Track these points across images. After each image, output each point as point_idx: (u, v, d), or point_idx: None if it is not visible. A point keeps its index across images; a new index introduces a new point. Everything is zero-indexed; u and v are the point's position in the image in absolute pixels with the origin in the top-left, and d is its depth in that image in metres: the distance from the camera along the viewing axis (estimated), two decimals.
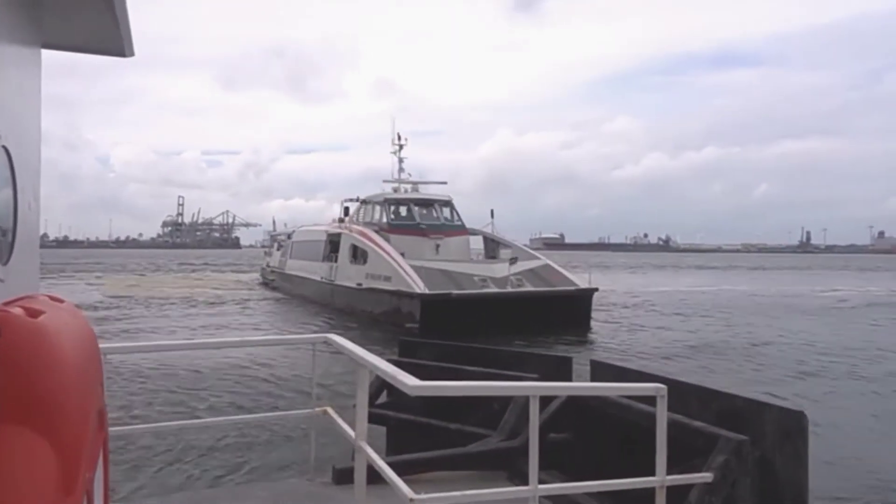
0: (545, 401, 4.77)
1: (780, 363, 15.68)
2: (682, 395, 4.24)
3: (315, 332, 17.67)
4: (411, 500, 2.83)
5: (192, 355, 13.13)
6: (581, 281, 22.35)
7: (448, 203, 27.93)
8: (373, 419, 5.25)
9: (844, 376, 14.34)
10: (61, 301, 1.78)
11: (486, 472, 4.60)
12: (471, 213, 28.55)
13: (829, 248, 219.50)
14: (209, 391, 11.33)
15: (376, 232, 24.61)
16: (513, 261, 22.01)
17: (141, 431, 6.13)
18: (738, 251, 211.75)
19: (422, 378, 3.27)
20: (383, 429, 5.89)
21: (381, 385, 5.56)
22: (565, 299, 20.92)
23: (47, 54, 2.43)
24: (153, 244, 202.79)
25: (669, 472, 3.39)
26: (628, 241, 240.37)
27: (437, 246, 25.17)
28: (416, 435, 5.36)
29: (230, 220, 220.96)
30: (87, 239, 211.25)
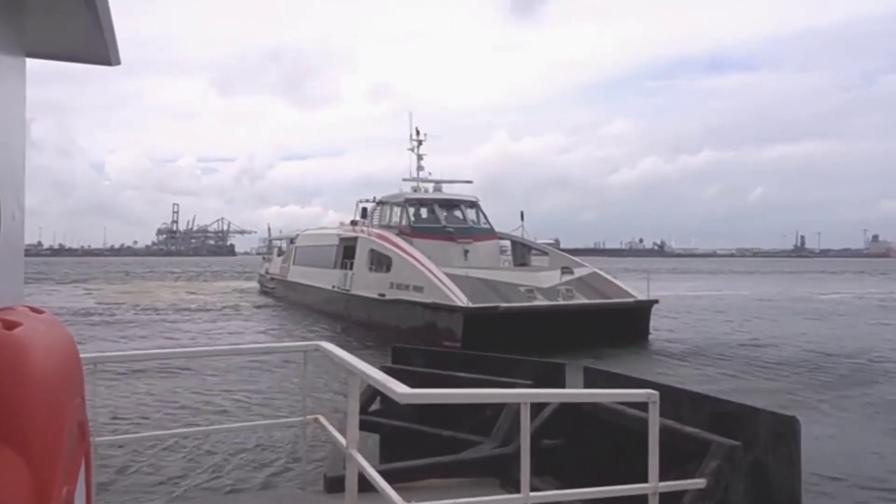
0: (538, 407, 4.77)
1: None
2: (675, 400, 4.24)
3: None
4: None
5: (182, 364, 13.07)
6: (636, 291, 19.88)
7: (474, 204, 25.25)
8: (366, 427, 5.25)
9: None
10: (41, 312, 1.77)
11: (478, 479, 4.58)
12: None
13: (824, 252, 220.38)
14: (200, 399, 11.26)
15: (396, 236, 22.26)
16: (566, 270, 19.65)
17: (130, 441, 6.10)
18: (732, 255, 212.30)
19: (414, 385, 3.26)
20: (377, 436, 5.88)
21: (373, 392, 5.54)
22: (623, 313, 18.62)
23: (36, 61, 2.43)
24: (148, 252, 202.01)
25: (663, 478, 3.38)
26: (623, 246, 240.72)
27: (466, 251, 22.46)
28: (409, 442, 5.34)
29: (225, 227, 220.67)
30: (82, 247, 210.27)
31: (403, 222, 23.99)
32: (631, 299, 19.18)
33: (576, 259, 22.97)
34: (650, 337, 19.31)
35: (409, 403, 4.35)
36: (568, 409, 4.77)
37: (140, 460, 7.49)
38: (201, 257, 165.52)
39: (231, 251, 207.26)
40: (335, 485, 4.16)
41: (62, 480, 1.43)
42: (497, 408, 4.99)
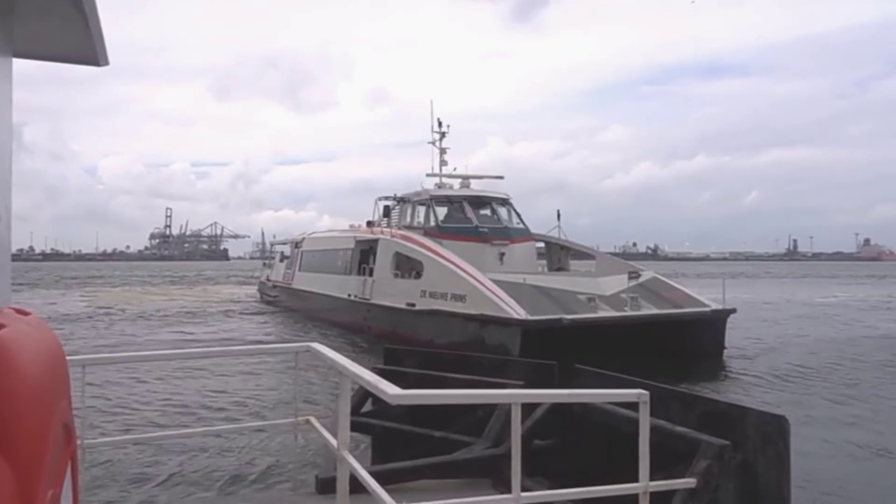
0: (530, 408, 4.78)
1: None
2: (665, 400, 4.26)
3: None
4: None
5: (173, 366, 13.02)
6: (706, 299, 17.10)
7: (506, 202, 22.33)
8: (357, 428, 5.24)
9: None
10: (27, 314, 1.76)
11: (470, 479, 4.58)
12: None
13: (816, 256, 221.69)
14: (190, 401, 11.22)
15: (422, 237, 19.74)
16: (633, 274, 17.18)
17: (119, 443, 6.06)
18: (725, 259, 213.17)
19: (406, 386, 3.27)
20: (369, 438, 5.88)
21: (365, 394, 5.54)
22: (698, 324, 15.89)
23: (29, 65, 2.43)
24: (140, 256, 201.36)
25: (653, 478, 3.39)
26: (617, 251, 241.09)
27: (502, 254, 19.82)
28: (401, 443, 5.34)
29: (218, 232, 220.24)
30: (74, 251, 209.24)
31: (430, 222, 21.12)
32: (706, 309, 16.34)
33: (628, 262, 21.12)
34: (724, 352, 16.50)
35: (401, 404, 4.35)
36: (559, 410, 4.79)
37: (129, 463, 7.44)
38: (194, 262, 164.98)
39: (224, 256, 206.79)
40: (326, 486, 4.16)
41: (47, 483, 1.42)
42: (489, 408, 5.00)
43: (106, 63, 2.47)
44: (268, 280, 34.95)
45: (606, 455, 4.27)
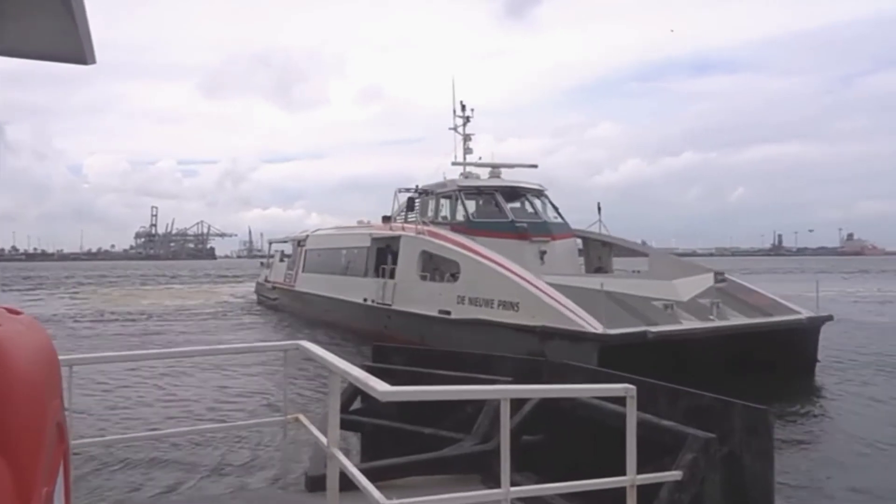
0: (519, 403, 4.82)
1: None
2: (652, 394, 4.32)
3: None
4: None
5: (161, 365, 12.96)
6: (794, 304, 14.68)
7: (541, 193, 19.69)
8: (347, 425, 5.26)
9: None
10: (18, 313, 1.77)
11: (460, 475, 4.61)
12: None
13: (801, 251, 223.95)
14: (179, 400, 11.19)
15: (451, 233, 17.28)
16: (719, 277, 14.56)
17: (109, 443, 6.04)
18: (711, 255, 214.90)
19: (395, 383, 3.28)
20: (359, 435, 5.90)
21: (355, 391, 5.55)
22: (791, 334, 13.41)
23: (11, 62, 2.40)
24: (126, 256, 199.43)
25: (640, 471, 3.44)
26: None
27: (542, 253, 17.24)
28: (391, 440, 5.36)
29: (205, 231, 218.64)
30: (59, 251, 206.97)
31: (457, 217, 18.57)
32: (800, 316, 13.92)
33: (694, 261, 18.50)
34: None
35: (391, 401, 4.37)
36: (548, 405, 4.83)
37: (119, 462, 7.42)
38: (180, 261, 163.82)
39: (211, 255, 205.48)
40: (317, 484, 4.17)
41: (42, 481, 1.44)
42: (478, 405, 5.03)
43: (93, 61, 2.45)
44: (266, 281, 31.83)
45: (594, 449, 4.32)
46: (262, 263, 36.88)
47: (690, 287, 14.42)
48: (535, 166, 22.31)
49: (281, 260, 31.15)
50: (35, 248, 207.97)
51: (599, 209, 19.19)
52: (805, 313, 14.11)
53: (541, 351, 11.87)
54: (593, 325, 11.72)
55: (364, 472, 3.26)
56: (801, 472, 7.71)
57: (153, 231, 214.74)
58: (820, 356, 14.03)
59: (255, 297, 34.68)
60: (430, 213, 19.57)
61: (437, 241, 16.77)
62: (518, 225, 17.79)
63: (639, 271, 17.73)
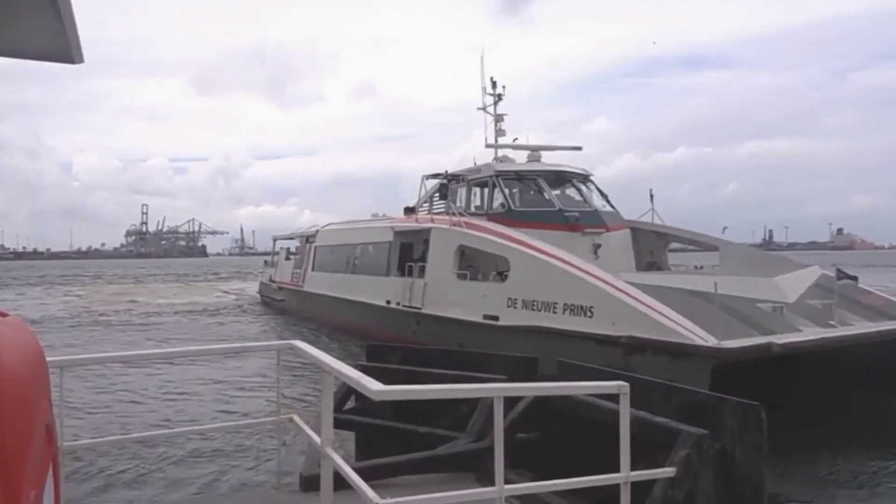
0: (513, 401, 4.82)
1: None
2: (645, 391, 4.33)
3: None
4: None
5: (154, 365, 12.89)
6: None
7: (587, 178, 17.12)
8: (341, 425, 5.26)
9: None
10: (5, 315, 1.75)
11: (454, 473, 4.62)
12: None
13: (791, 246, 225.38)
14: (172, 401, 11.13)
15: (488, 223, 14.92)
16: (841, 274, 11.49)
17: (102, 444, 6.01)
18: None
19: (389, 382, 3.28)
20: (353, 434, 5.89)
21: (349, 391, 5.55)
22: None
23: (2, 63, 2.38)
24: (116, 254, 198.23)
25: (634, 468, 3.45)
26: None
27: (597, 246, 14.80)
28: (386, 439, 5.36)
29: (196, 228, 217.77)
30: (48, 249, 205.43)
31: (494, 205, 16.15)
32: None
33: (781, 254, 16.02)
34: None
35: (385, 400, 4.36)
36: (542, 403, 4.84)
37: (111, 463, 7.38)
38: (172, 259, 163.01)
39: (203, 252, 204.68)
40: (311, 483, 4.16)
41: (30, 484, 1.43)
42: (473, 403, 5.04)
43: (81, 61, 2.43)
44: (271, 281, 29.43)
45: (589, 446, 4.33)
46: (265, 262, 34.31)
47: (795, 285, 11.67)
48: (579, 148, 19.59)
49: (287, 258, 28.63)
50: (24, 247, 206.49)
51: (652, 197, 16.19)
52: None
53: (625, 366, 9.08)
54: (702, 337, 9.10)
55: (358, 471, 3.25)
56: None
57: (144, 229, 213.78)
58: None
59: (258, 297, 32.57)
60: (460, 202, 16.70)
61: (478, 233, 14.38)
62: (568, 214, 15.20)
63: (702, 267, 15.22)
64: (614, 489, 3.41)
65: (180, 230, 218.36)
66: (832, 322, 10.63)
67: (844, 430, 7.80)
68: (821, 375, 8.95)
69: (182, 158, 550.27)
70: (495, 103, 18.61)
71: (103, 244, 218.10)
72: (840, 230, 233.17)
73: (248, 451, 7.96)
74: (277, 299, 28.18)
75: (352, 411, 5.72)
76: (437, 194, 17.85)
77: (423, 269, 15.75)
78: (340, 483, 3.32)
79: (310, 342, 4.33)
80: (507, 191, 16.09)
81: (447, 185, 16.77)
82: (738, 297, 10.51)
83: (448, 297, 14.50)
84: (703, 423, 4.00)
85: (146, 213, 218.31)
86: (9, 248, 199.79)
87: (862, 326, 10.72)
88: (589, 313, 10.91)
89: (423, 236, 16.42)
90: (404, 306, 15.88)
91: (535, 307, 11.97)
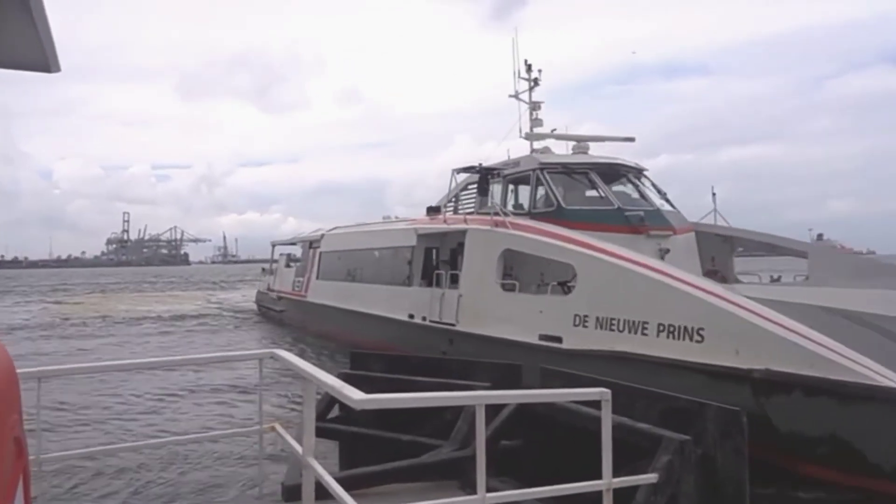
0: (496, 409, 4.82)
1: None
2: (628, 397, 4.35)
3: None
4: None
5: (133, 377, 12.71)
6: None
7: (641, 173, 14.47)
8: (324, 434, 5.21)
9: None
10: None
11: (438, 482, 4.60)
12: None
13: None
14: (152, 411, 11.00)
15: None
16: None
17: (77, 456, 5.90)
18: None
19: (373, 390, 3.27)
20: (336, 443, 5.85)
21: (332, 400, 5.51)
22: None
23: None
24: (97, 262, 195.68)
25: (617, 474, 3.47)
26: None
27: (664, 251, 12.26)
28: (369, 448, 5.33)
29: (178, 236, 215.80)
30: (26, 258, 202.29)
31: (538, 204, 13.57)
32: None
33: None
34: None
35: (368, 409, 4.34)
36: (526, 411, 4.84)
37: (90, 476, 7.26)
38: (153, 267, 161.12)
39: (185, 260, 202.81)
40: (292, 494, 4.12)
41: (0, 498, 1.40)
42: (456, 411, 5.02)
43: (57, 69, 2.41)
44: (269, 290, 27.38)
45: (572, 453, 4.34)
46: (263, 269, 31.91)
47: None
48: (632, 139, 16.51)
49: (287, 265, 26.52)
50: (3, 255, 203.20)
51: (714, 196, 14.08)
52: None
53: (758, 409, 7.11)
54: (885, 374, 6.83)
55: (340, 480, 3.23)
56: None
57: (125, 237, 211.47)
58: None
59: (254, 307, 30.33)
60: (495, 199, 14.10)
61: (529, 235, 11.78)
62: (629, 214, 12.69)
63: (779, 277, 13.00)
64: (598, 496, 3.42)
65: (162, 238, 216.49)
66: None
67: None
68: None
69: (165, 166, 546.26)
70: (531, 89, 15.92)
71: (83, 252, 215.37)
72: (820, 235, 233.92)
73: (230, 461, 7.87)
74: (277, 310, 25.84)
75: (335, 420, 5.68)
76: (463, 192, 15.81)
77: (455, 278, 13.37)
78: (322, 493, 3.29)
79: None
80: (553, 187, 13.38)
81: (486, 178, 13.99)
82: (887, 315, 8.15)
83: (491, 311, 12.04)
84: (685, 429, 4.02)
85: (128, 221, 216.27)
86: None
87: None
88: (697, 337, 8.36)
89: (455, 239, 13.89)
90: (432, 321, 13.51)
91: (613, 327, 9.46)
